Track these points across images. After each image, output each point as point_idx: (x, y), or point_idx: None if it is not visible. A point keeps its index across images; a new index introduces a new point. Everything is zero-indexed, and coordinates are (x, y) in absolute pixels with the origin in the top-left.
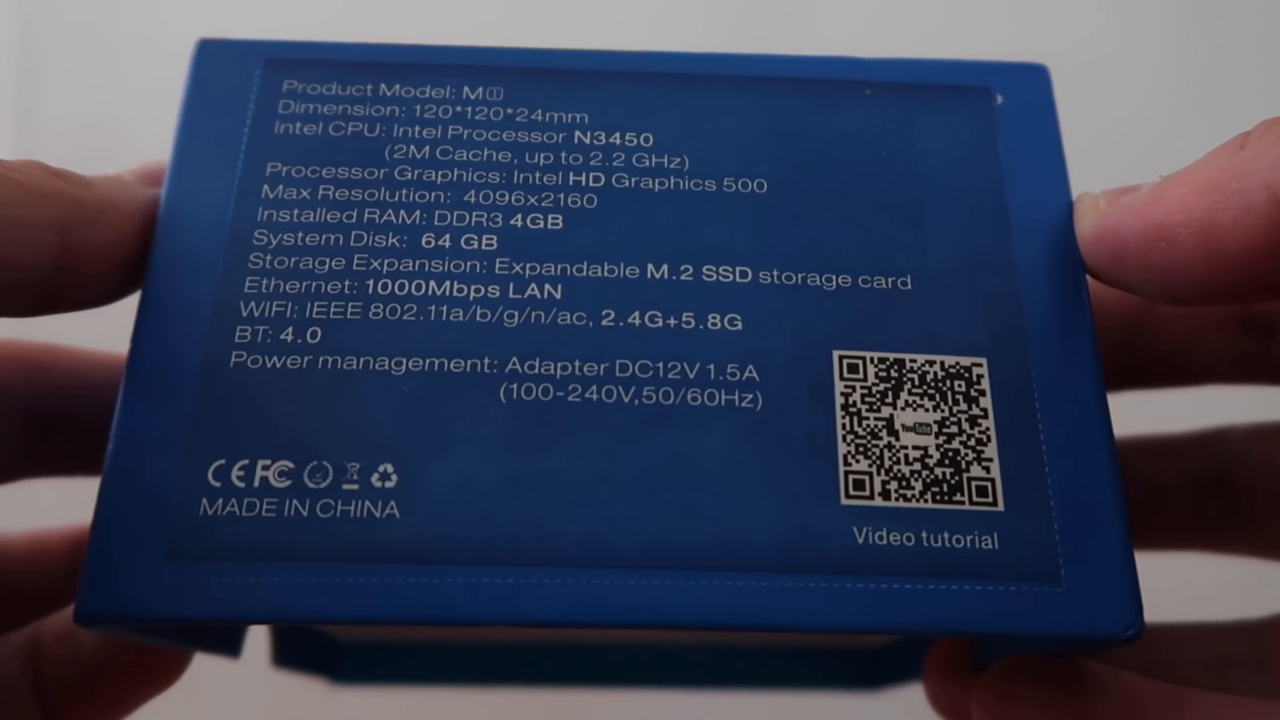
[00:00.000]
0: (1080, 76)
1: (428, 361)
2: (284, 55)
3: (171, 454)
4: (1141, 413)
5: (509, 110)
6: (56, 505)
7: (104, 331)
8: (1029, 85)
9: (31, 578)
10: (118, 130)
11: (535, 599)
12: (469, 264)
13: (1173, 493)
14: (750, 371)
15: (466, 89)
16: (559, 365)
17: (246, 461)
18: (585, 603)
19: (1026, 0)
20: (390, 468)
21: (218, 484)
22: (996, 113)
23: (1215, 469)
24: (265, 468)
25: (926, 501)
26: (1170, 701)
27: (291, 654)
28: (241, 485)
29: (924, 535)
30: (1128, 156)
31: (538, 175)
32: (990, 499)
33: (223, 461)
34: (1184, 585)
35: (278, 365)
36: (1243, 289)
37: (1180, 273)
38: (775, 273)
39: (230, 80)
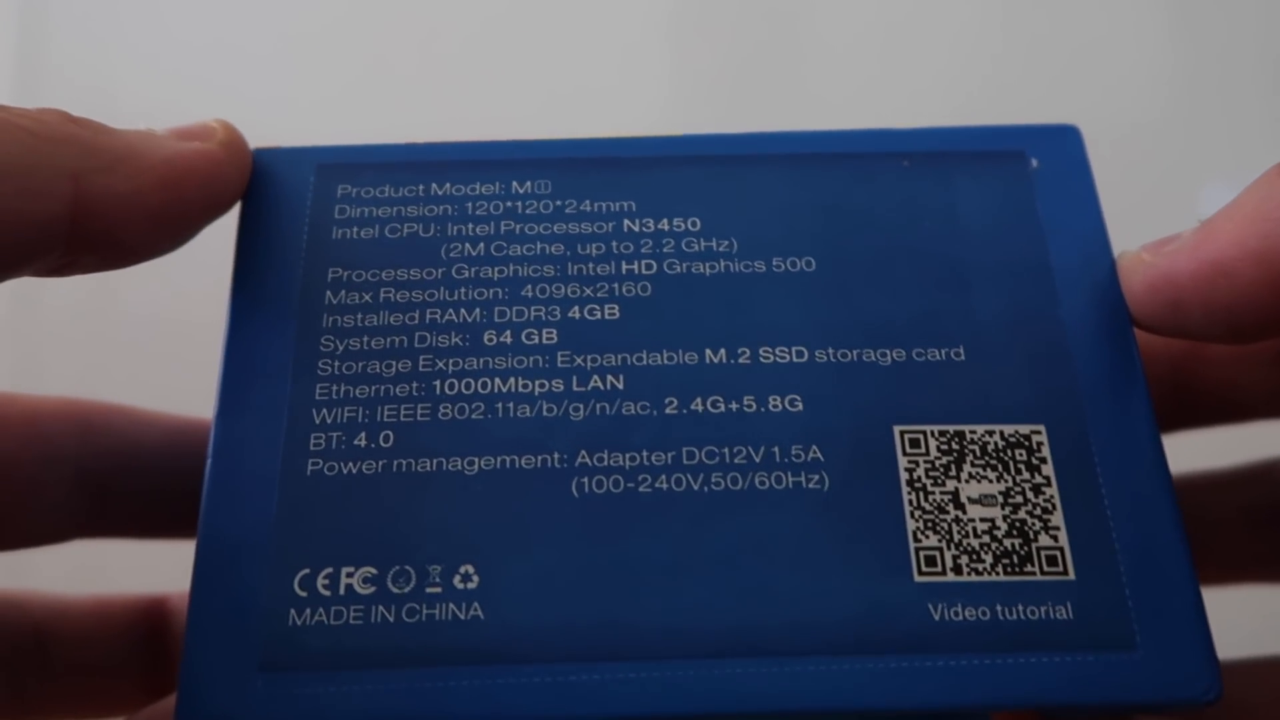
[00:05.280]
0: (1065, 84)
1: (499, 459)
2: (335, 160)
3: (257, 563)
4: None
5: (558, 202)
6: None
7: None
8: (1062, 146)
9: (92, 646)
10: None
11: (620, 695)
12: (531, 359)
13: (1225, 526)
14: (815, 452)
15: (515, 183)
16: (627, 456)
17: (330, 569)
18: (668, 695)
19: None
20: (471, 568)
21: (304, 593)
22: (1033, 176)
23: (1267, 500)
24: (349, 575)
25: (998, 574)
26: None
27: None
28: (327, 594)
29: (999, 609)
30: (1115, 165)
31: (591, 266)
32: (1061, 568)
33: (307, 570)
34: (1246, 620)
35: (353, 471)
36: None
37: (1243, 305)
38: (830, 350)
39: (285, 187)
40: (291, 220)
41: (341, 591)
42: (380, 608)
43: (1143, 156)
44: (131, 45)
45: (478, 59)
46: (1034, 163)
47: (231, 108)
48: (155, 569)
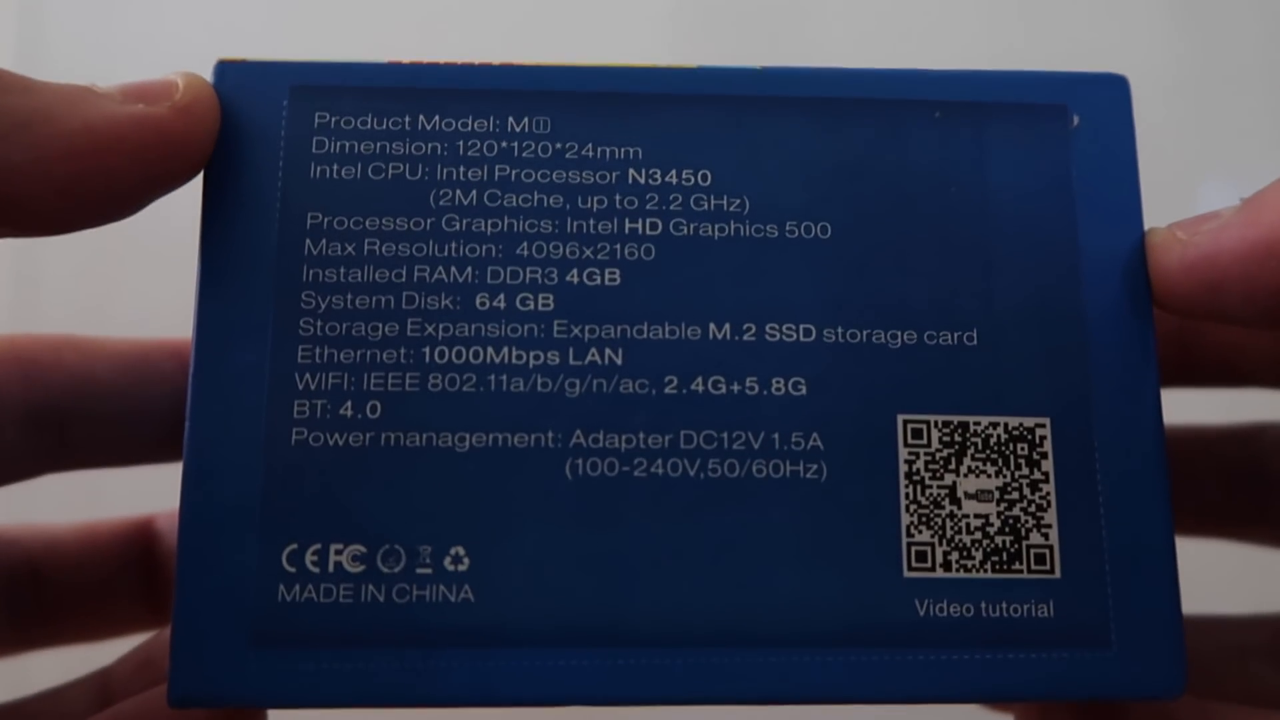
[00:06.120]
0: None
1: (491, 436)
2: (311, 81)
3: (243, 536)
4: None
5: (557, 145)
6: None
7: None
8: (1106, 101)
9: (86, 572)
10: None
11: (610, 679)
12: (526, 327)
13: (1203, 481)
14: (815, 440)
15: (511, 120)
16: (623, 438)
17: (319, 545)
18: (657, 682)
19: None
20: (462, 550)
21: (292, 569)
22: (1071, 136)
23: (1248, 462)
24: (338, 552)
25: (986, 571)
26: (1198, 717)
27: None
28: (316, 571)
29: (983, 606)
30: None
31: (592, 223)
32: (1048, 566)
33: (295, 546)
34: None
35: (340, 443)
36: None
37: None
38: (839, 330)
39: (256, 112)
40: (265, 154)
41: (330, 569)
42: (370, 587)
43: (1142, 156)
44: (130, 46)
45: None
46: (1075, 120)
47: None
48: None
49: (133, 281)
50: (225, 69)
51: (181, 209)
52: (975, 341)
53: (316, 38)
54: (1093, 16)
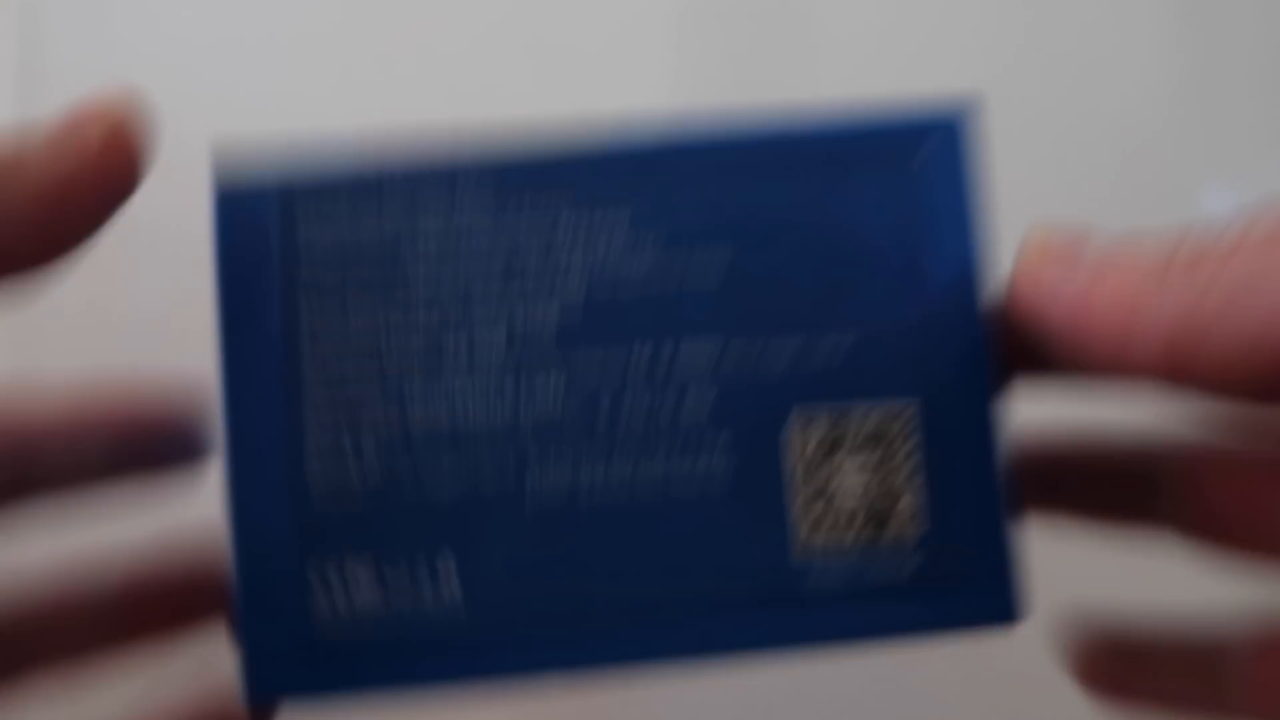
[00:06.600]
0: (1069, 80)
1: (464, 461)
2: (294, 184)
3: (282, 559)
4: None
5: (498, 206)
6: None
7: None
8: (951, 130)
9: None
10: None
11: (575, 651)
12: (483, 369)
13: (1100, 479)
14: (725, 441)
15: (460, 191)
16: (570, 459)
17: (338, 563)
18: (609, 648)
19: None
20: (449, 559)
21: (322, 584)
22: (919, 164)
23: (1142, 468)
24: (354, 568)
25: (862, 542)
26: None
27: None
28: (339, 585)
29: (860, 570)
30: (1117, 165)
31: (530, 276)
32: (912, 532)
33: (322, 563)
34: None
35: (344, 477)
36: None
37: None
38: (742, 340)
39: (251, 219)
40: (259, 249)
41: (350, 582)
42: (380, 592)
43: (1143, 156)
44: (129, 45)
45: (482, 57)
46: (920, 153)
47: (228, 103)
48: None
49: (133, 279)
50: (222, 196)
51: (177, 211)
52: (854, 342)
53: (312, 41)
54: (1096, 22)
